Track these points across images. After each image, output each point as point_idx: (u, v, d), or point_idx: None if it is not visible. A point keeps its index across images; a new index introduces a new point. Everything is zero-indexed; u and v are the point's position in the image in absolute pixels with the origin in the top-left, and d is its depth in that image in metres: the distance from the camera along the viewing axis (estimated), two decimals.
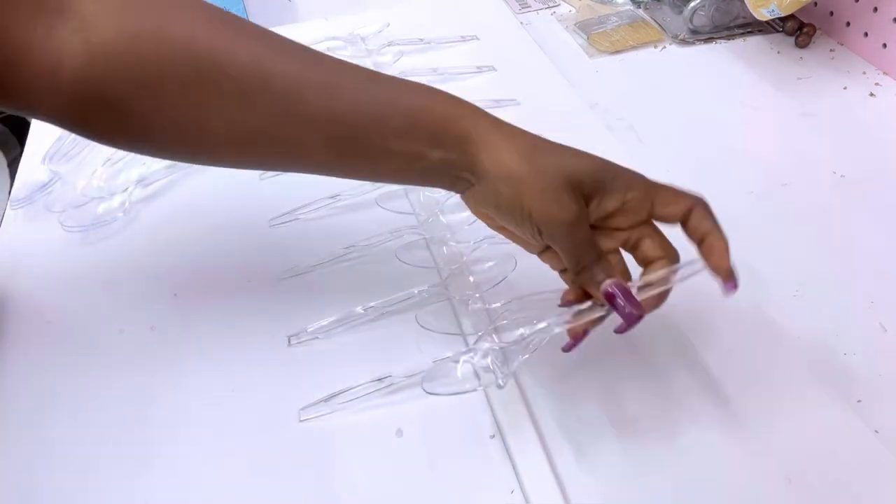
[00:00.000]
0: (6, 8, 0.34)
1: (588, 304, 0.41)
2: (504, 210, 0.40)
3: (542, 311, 0.49)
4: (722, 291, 0.40)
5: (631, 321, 0.39)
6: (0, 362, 0.51)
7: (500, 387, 0.43)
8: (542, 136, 0.41)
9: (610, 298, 0.39)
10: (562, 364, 0.47)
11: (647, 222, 0.41)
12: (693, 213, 0.41)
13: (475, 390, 0.45)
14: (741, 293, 0.52)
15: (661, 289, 0.40)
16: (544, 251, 0.43)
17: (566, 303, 0.42)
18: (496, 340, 0.44)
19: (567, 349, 0.41)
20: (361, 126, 0.40)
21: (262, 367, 0.49)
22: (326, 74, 0.41)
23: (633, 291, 0.39)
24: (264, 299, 0.54)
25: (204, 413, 0.47)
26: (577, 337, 0.41)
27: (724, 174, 0.63)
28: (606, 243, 0.41)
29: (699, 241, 0.41)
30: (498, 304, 0.50)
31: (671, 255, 0.41)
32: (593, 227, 0.40)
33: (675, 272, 0.41)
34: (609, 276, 0.39)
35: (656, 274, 0.40)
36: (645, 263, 0.41)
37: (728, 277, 0.40)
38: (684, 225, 0.41)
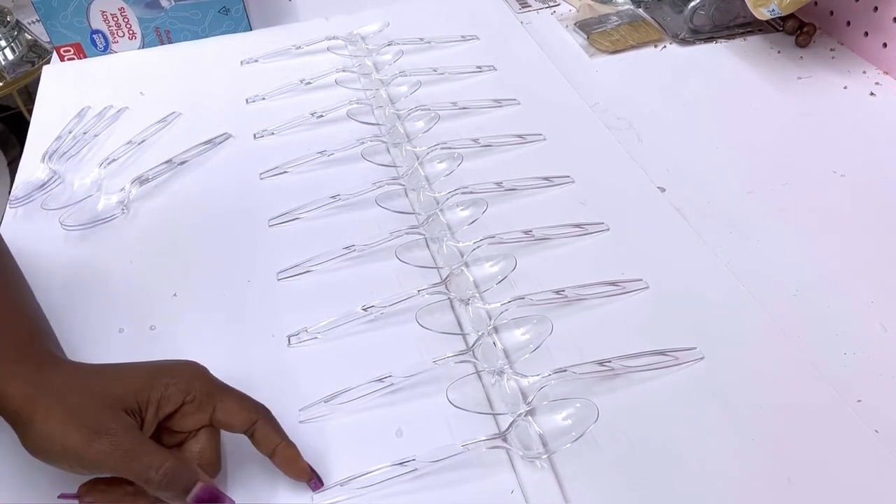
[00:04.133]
0: None
1: None
2: (49, 458, 0.38)
3: (541, 311, 0.49)
4: (312, 490, 0.41)
5: None
6: None
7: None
8: (84, 368, 0.42)
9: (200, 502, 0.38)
10: (553, 360, 0.47)
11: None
12: (258, 426, 0.41)
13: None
14: (741, 293, 0.52)
15: (273, 445, 0.41)
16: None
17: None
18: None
19: None
20: None
21: (262, 367, 0.49)
22: None
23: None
24: (264, 299, 0.54)
25: None
26: None
27: (724, 174, 0.63)
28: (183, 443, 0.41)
29: (271, 454, 0.41)
30: (498, 304, 0.50)
31: (253, 416, 0.41)
32: (175, 432, 0.41)
33: (268, 425, 0.41)
34: (195, 481, 0.38)
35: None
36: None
37: (311, 478, 0.41)
38: (251, 437, 0.41)
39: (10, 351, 0.41)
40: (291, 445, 0.41)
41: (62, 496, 0.40)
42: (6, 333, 0.42)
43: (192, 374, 0.41)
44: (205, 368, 0.42)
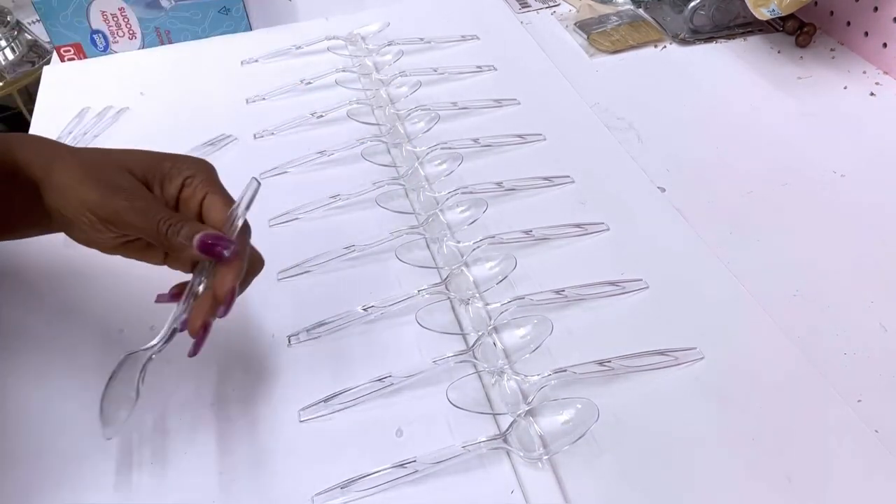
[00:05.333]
0: None
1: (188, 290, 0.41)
2: (70, 220, 0.41)
3: (541, 311, 0.49)
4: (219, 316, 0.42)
5: (233, 257, 0.40)
6: (0, 362, 0.51)
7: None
8: (97, 148, 0.44)
9: (205, 247, 0.39)
10: (553, 360, 0.47)
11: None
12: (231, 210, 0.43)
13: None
14: (741, 293, 0.52)
15: (239, 222, 0.42)
16: (160, 253, 0.44)
17: (162, 298, 0.42)
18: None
19: (193, 353, 0.41)
20: None
21: (262, 367, 0.49)
22: None
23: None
24: (264, 299, 0.54)
25: (204, 413, 0.47)
26: (198, 335, 0.41)
27: (724, 174, 0.63)
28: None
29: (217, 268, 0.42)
30: (498, 304, 0.50)
31: (230, 205, 0.43)
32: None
33: (238, 205, 0.43)
34: (197, 231, 0.40)
35: (230, 218, 0.42)
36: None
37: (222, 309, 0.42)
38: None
39: (27, 136, 0.44)
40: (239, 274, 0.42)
41: (158, 299, 0.42)
42: (20, 136, 0.45)
43: (195, 164, 0.43)
44: (212, 168, 0.44)
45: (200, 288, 0.41)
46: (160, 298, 0.43)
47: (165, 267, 0.58)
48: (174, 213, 0.41)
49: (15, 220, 0.45)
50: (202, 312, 0.41)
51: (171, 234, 0.40)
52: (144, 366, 0.41)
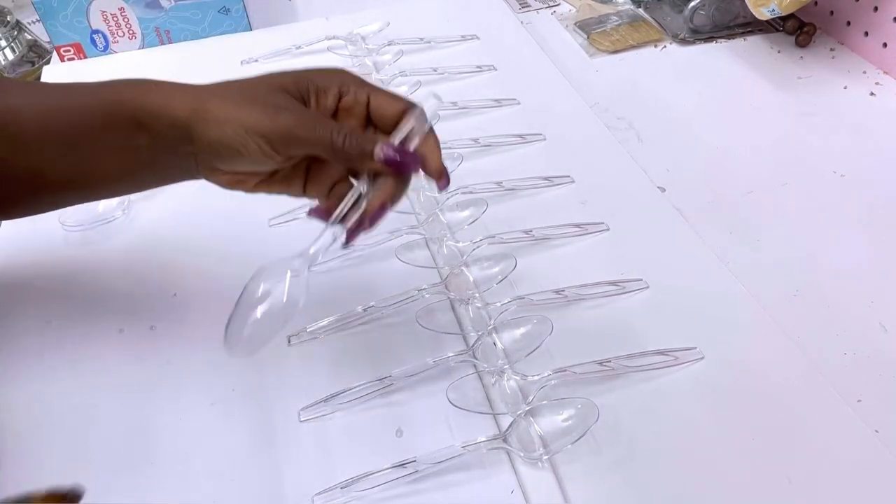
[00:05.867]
0: None
1: (346, 200, 0.40)
2: (236, 149, 0.39)
3: (541, 311, 0.49)
4: (439, 189, 0.42)
5: (411, 169, 0.39)
6: (0, 362, 0.51)
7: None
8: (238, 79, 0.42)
9: (390, 161, 0.38)
10: (553, 360, 0.47)
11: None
12: (408, 113, 0.41)
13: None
14: (741, 293, 0.52)
15: (421, 134, 0.40)
16: (306, 174, 0.43)
17: (316, 211, 0.41)
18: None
19: (369, 225, 0.40)
20: (74, 125, 0.41)
21: (262, 367, 0.49)
22: (45, 93, 0.43)
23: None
24: None
25: (204, 413, 0.47)
26: (374, 215, 0.40)
27: (724, 174, 0.63)
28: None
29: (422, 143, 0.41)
30: (498, 304, 0.50)
31: (407, 105, 0.41)
32: None
33: (421, 114, 0.40)
34: (374, 141, 0.39)
35: (407, 123, 0.40)
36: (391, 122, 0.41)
37: (441, 177, 0.41)
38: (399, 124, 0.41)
39: (154, 83, 0.42)
40: (435, 141, 0.41)
41: (311, 213, 0.41)
42: (145, 82, 0.42)
43: (341, 72, 0.42)
44: (355, 74, 0.42)
45: (363, 202, 0.40)
46: (313, 212, 0.41)
47: (166, 267, 0.58)
48: (343, 123, 0.40)
49: (144, 173, 0.43)
50: (383, 195, 0.39)
51: (349, 145, 0.38)
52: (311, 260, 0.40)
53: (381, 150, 0.38)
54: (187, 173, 0.42)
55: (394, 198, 0.40)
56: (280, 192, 0.43)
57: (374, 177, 0.40)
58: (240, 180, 0.42)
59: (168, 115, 0.39)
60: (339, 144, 0.38)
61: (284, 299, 0.39)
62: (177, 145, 0.40)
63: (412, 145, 0.40)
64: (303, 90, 0.40)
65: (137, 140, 0.40)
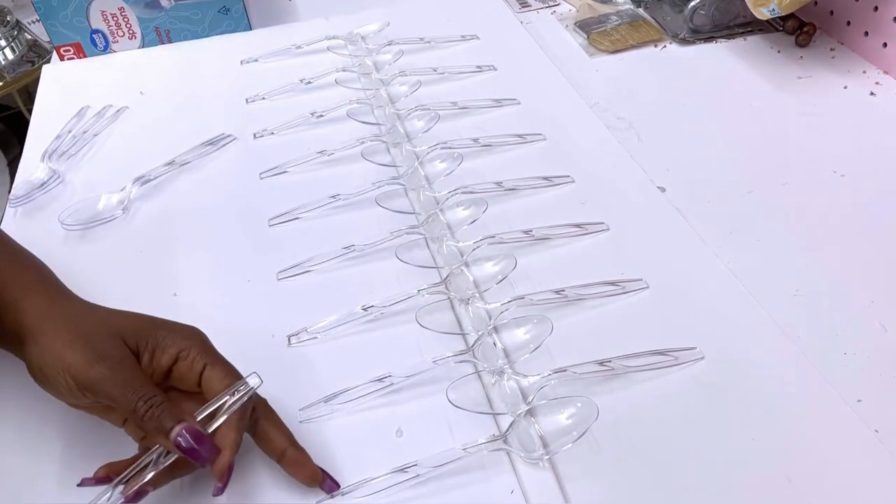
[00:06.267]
0: None
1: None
2: (52, 378, 0.39)
3: (541, 311, 0.49)
4: (328, 493, 0.41)
5: (205, 463, 0.38)
6: (0, 362, 0.50)
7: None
8: (95, 306, 0.44)
9: (183, 445, 0.38)
10: (553, 360, 0.47)
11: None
12: (260, 424, 0.42)
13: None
14: (741, 293, 0.52)
15: (226, 415, 0.39)
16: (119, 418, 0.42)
17: (95, 480, 0.39)
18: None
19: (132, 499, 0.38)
20: None
21: (262, 367, 0.49)
22: None
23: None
24: (264, 299, 0.54)
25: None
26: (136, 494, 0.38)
27: (724, 174, 0.63)
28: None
29: (279, 458, 0.42)
30: (498, 304, 0.50)
31: (231, 378, 0.41)
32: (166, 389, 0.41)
33: (233, 392, 0.40)
34: (179, 420, 0.38)
35: (221, 398, 0.40)
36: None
37: (323, 481, 0.41)
38: (255, 437, 0.42)
39: (31, 276, 0.45)
40: (299, 448, 0.42)
41: (82, 483, 0.40)
42: (26, 267, 0.45)
43: (190, 335, 0.42)
44: (205, 336, 0.43)
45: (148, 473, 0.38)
46: (85, 482, 0.39)
47: (166, 267, 0.58)
48: (157, 390, 0.39)
49: None
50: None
51: (149, 417, 0.38)
52: None
53: (178, 435, 0.38)
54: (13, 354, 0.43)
55: (161, 482, 0.40)
56: (102, 417, 0.43)
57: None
58: (59, 392, 0.41)
59: (14, 314, 0.42)
60: (140, 413, 0.38)
61: None
62: (11, 340, 0.42)
63: (215, 424, 0.39)
64: (141, 341, 0.41)
65: None
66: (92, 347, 0.39)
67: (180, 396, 0.42)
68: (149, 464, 0.38)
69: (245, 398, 0.40)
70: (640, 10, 0.86)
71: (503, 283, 0.52)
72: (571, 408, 0.44)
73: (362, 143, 0.65)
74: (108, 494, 0.38)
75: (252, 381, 0.41)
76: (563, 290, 0.51)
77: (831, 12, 0.78)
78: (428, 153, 0.64)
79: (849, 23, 0.76)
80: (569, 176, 0.63)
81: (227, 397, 0.40)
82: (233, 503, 0.42)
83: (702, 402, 0.45)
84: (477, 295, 0.51)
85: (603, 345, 0.48)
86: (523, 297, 0.51)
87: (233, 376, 0.41)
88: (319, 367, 0.49)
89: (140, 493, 0.38)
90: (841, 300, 0.51)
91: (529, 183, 0.61)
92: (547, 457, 0.42)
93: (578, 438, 0.42)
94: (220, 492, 0.39)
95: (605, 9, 0.87)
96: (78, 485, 0.39)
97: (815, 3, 0.79)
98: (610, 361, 0.46)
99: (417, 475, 0.41)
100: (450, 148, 0.64)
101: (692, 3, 0.79)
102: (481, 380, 0.47)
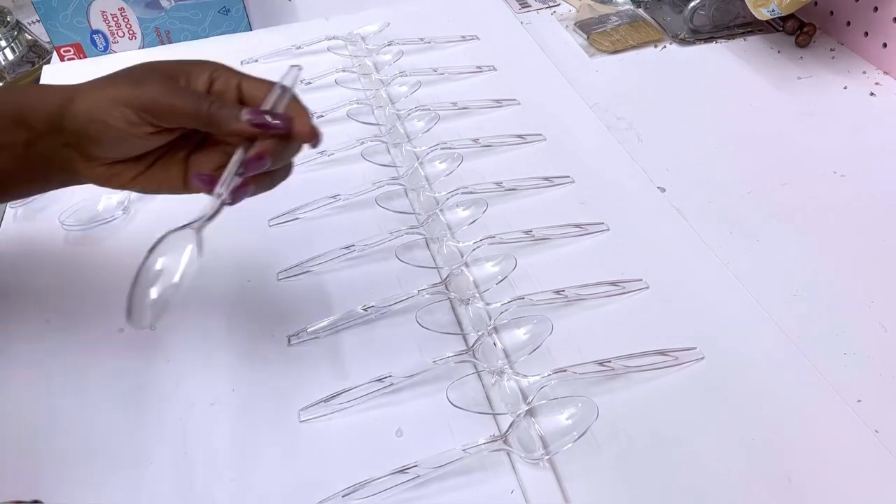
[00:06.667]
0: None
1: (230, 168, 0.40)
2: (103, 121, 0.39)
3: (541, 311, 0.49)
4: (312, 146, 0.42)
5: (285, 129, 0.39)
6: (0, 362, 0.51)
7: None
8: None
9: (258, 123, 0.39)
10: (553, 360, 0.47)
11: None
12: (273, 87, 0.42)
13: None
14: (741, 293, 0.52)
15: (287, 99, 0.41)
16: (185, 167, 0.42)
17: (199, 177, 0.40)
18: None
19: (248, 171, 0.40)
20: None
21: (262, 367, 0.49)
22: None
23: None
24: (264, 299, 0.54)
25: (204, 413, 0.47)
26: (252, 163, 0.39)
27: (724, 174, 0.63)
28: None
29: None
30: (498, 304, 0.50)
31: (270, 83, 0.42)
32: None
33: (281, 84, 0.41)
34: (242, 108, 0.39)
35: (272, 93, 0.41)
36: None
37: (310, 136, 0.41)
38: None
39: (46, 85, 0.44)
40: (303, 106, 0.42)
41: (196, 176, 0.40)
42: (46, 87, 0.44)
43: (214, 63, 0.42)
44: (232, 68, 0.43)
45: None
46: (198, 178, 0.40)
47: None
48: (209, 94, 0.40)
49: (22, 172, 0.43)
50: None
51: (216, 108, 0.39)
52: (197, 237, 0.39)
53: (248, 112, 0.39)
54: (63, 170, 0.42)
55: (272, 152, 0.40)
56: (159, 187, 0.43)
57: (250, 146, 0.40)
58: (115, 173, 0.42)
59: (43, 106, 0.41)
60: (204, 109, 0.39)
61: (181, 265, 0.39)
62: (51, 136, 0.41)
63: (281, 105, 0.41)
64: (174, 72, 0.41)
65: (15, 136, 0.41)
66: (135, 77, 0.40)
67: None
68: (240, 165, 0.39)
69: (296, 79, 0.42)
70: (640, 11, 0.86)
71: (503, 284, 0.52)
72: (571, 408, 0.44)
73: (362, 143, 0.65)
74: (214, 196, 0.39)
75: (291, 71, 0.42)
76: (563, 291, 0.51)
77: (831, 12, 0.78)
78: (428, 153, 0.64)
79: (849, 23, 0.76)
80: (569, 176, 0.63)
81: (278, 91, 0.41)
82: (231, 497, 0.42)
83: (702, 402, 0.45)
84: (477, 295, 0.51)
85: (603, 345, 0.48)
86: (523, 297, 0.51)
87: (269, 81, 0.42)
88: (319, 367, 0.49)
89: (239, 192, 0.39)
90: (841, 300, 0.51)
91: (529, 183, 0.61)
92: (547, 457, 0.42)
93: (578, 438, 0.42)
94: (315, 144, 0.42)
95: (605, 9, 0.87)
96: (193, 178, 0.40)
97: (815, 3, 0.79)
98: (610, 361, 0.46)
99: (418, 476, 0.41)
100: (450, 148, 0.64)
101: (692, 4, 0.79)
102: (481, 380, 0.47)
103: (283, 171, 0.43)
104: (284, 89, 0.41)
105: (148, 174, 0.42)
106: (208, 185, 0.39)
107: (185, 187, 0.43)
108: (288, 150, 0.41)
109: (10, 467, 0.45)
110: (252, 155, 0.39)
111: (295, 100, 0.41)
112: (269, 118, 0.39)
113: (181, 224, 0.39)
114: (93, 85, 0.40)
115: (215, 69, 0.41)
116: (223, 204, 0.39)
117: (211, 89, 0.41)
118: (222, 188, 0.39)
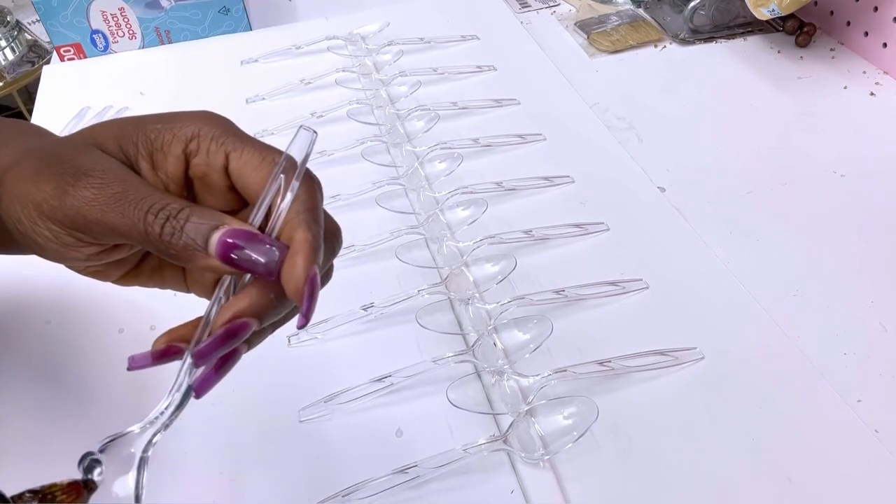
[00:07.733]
0: None
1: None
2: (33, 239, 0.28)
3: (541, 311, 0.49)
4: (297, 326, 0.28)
5: (272, 271, 0.26)
6: (0, 362, 0.51)
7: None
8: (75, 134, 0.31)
9: (227, 253, 0.26)
10: (553, 360, 0.47)
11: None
12: (272, 174, 0.28)
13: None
14: (741, 293, 0.52)
15: (290, 194, 0.27)
16: (126, 266, 0.32)
17: (157, 354, 0.28)
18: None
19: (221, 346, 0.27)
20: None
21: (262, 367, 0.49)
22: None
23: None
24: None
25: (204, 413, 0.46)
26: (222, 336, 0.27)
27: (724, 174, 0.63)
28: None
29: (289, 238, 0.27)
30: (498, 304, 0.50)
31: (273, 156, 0.29)
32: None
33: (289, 167, 0.28)
34: (214, 226, 0.26)
35: (270, 189, 0.27)
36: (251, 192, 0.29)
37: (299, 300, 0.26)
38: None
39: (9, 131, 0.33)
40: (311, 242, 0.27)
41: (133, 364, 0.28)
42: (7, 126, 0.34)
43: (197, 117, 0.30)
44: (221, 116, 0.30)
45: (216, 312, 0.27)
46: (134, 362, 0.28)
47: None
48: (170, 196, 0.27)
49: None
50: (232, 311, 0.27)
51: (169, 231, 0.26)
52: (143, 458, 0.28)
53: (218, 242, 0.26)
54: (23, 251, 0.32)
55: (258, 310, 0.26)
56: (158, 286, 0.33)
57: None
58: (97, 270, 0.31)
59: None
60: (154, 230, 0.26)
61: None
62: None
63: (277, 223, 0.27)
64: (127, 145, 0.29)
65: None
66: (65, 172, 0.27)
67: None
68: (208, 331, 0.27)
69: (309, 147, 0.27)
70: (641, 11, 0.86)
71: (503, 283, 0.52)
72: (571, 408, 0.44)
73: (362, 143, 0.65)
74: (183, 368, 0.27)
75: (303, 136, 0.28)
76: (563, 290, 0.51)
77: (831, 12, 0.78)
78: (428, 153, 0.64)
79: (849, 23, 0.76)
80: (569, 176, 0.63)
81: (280, 179, 0.27)
82: (231, 497, 0.42)
83: (702, 401, 0.45)
84: (477, 295, 0.51)
85: (603, 345, 0.48)
86: (523, 297, 0.51)
87: (272, 156, 0.28)
88: (319, 367, 0.49)
89: (227, 359, 0.28)
90: (841, 300, 0.51)
91: (529, 183, 0.61)
92: (547, 457, 0.42)
93: (578, 438, 0.42)
94: (304, 323, 0.26)
95: (605, 9, 0.87)
96: (128, 368, 0.27)
97: (815, 3, 0.79)
98: (610, 361, 0.46)
99: (418, 476, 0.41)
100: (450, 148, 0.64)
101: (692, 4, 0.79)
102: (481, 380, 0.47)
103: (282, 320, 0.29)
104: (291, 167, 0.28)
105: (138, 273, 0.32)
106: (173, 356, 0.28)
107: (188, 287, 0.33)
108: (279, 307, 0.27)
109: (10, 467, 0.45)
110: (225, 322, 0.27)
111: (301, 198, 0.28)
112: (251, 252, 0.26)
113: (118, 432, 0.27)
114: (21, 169, 0.28)
115: (193, 137, 0.29)
116: (186, 396, 0.28)
117: (189, 171, 0.29)
118: (184, 377, 0.27)
